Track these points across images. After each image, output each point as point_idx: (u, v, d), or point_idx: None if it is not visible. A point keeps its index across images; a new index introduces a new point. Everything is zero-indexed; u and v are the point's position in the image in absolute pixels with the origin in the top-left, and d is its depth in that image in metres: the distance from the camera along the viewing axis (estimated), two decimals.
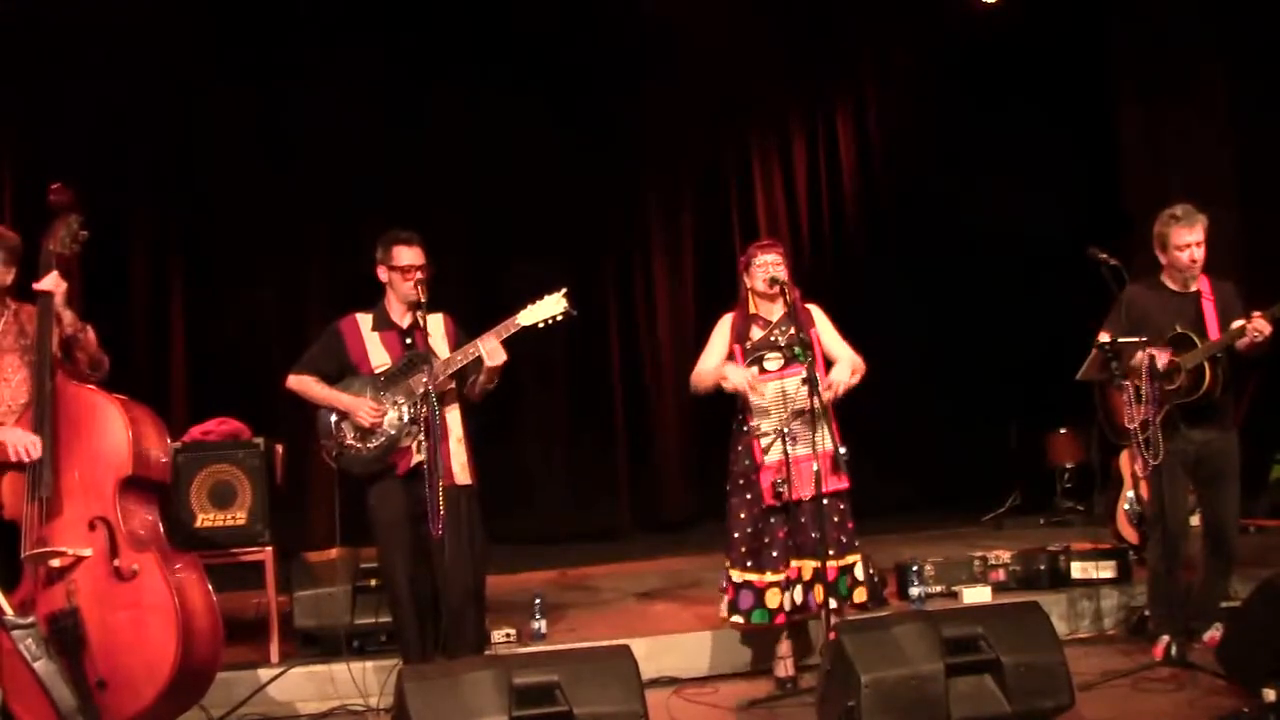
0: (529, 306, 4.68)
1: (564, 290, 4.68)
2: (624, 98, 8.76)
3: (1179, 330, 4.99)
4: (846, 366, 4.92)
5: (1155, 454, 4.87)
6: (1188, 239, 5.01)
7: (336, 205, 8.15)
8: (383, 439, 4.72)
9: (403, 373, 4.74)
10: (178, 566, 4.16)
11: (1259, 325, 4.79)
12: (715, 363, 5.02)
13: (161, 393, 7.63)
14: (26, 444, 4.03)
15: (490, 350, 4.64)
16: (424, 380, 4.62)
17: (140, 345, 7.87)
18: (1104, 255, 4.98)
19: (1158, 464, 4.88)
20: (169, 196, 8.01)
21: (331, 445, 4.80)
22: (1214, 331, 4.97)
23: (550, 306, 4.67)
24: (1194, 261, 5.02)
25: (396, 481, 4.74)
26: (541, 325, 4.68)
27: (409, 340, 4.81)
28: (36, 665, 3.83)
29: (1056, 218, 8.47)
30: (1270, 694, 4.04)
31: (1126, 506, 6.35)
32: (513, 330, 4.67)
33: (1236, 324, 4.88)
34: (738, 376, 4.87)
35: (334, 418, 4.80)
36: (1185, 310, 5.06)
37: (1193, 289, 5.09)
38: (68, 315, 4.28)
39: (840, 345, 5.05)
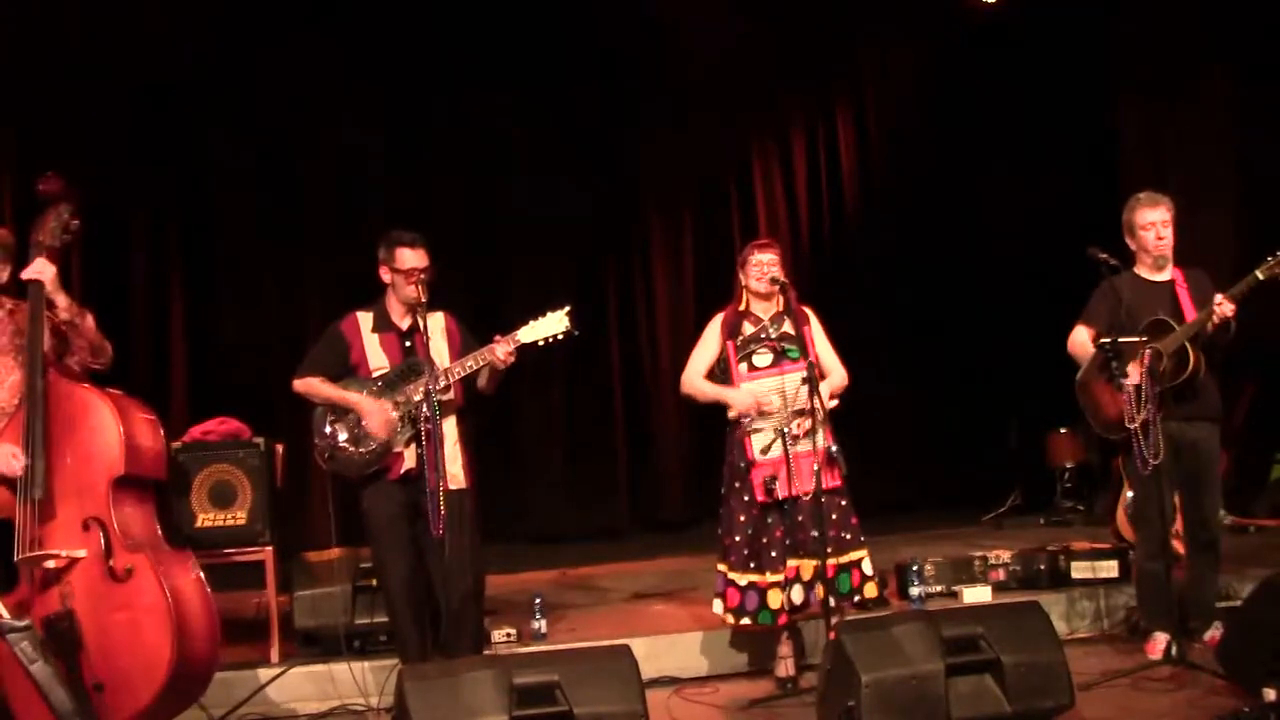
0: (530, 323, 4.64)
1: (567, 309, 4.62)
2: (624, 97, 8.76)
3: (1159, 316, 4.99)
4: (827, 389, 4.92)
5: (1156, 453, 4.86)
6: (1151, 218, 5.05)
7: (337, 205, 8.16)
8: (374, 444, 4.70)
9: (400, 378, 4.72)
10: (173, 565, 4.08)
11: (1224, 307, 4.81)
12: (705, 364, 5.04)
13: (161, 393, 7.63)
14: (8, 462, 3.92)
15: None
16: (422, 386, 4.57)
17: (140, 345, 7.85)
18: (1104, 255, 4.98)
19: (1158, 463, 4.87)
20: (169, 196, 8.01)
21: (324, 447, 4.77)
22: (1191, 317, 4.97)
23: (552, 325, 4.62)
24: (1160, 240, 5.05)
25: (389, 484, 4.72)
26: (542, 344, 4.64)
27: (408, 344, 4.78)
28: (33, 669, 3.74)
29: (1057, 218, 8.48)
30: (1270, 694, 4.03)
31: (1127, 506, 6.34)
32: (511, 346, 4.63)
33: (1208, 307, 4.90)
34: (739, 400, 4.89)
35: (327, 420, 4.77)
36: (1162, 298, 5.07)
37: (1167, 277, 5.10)
38: (62, 300, 4.11)
39: (831, 356, 5.06)
